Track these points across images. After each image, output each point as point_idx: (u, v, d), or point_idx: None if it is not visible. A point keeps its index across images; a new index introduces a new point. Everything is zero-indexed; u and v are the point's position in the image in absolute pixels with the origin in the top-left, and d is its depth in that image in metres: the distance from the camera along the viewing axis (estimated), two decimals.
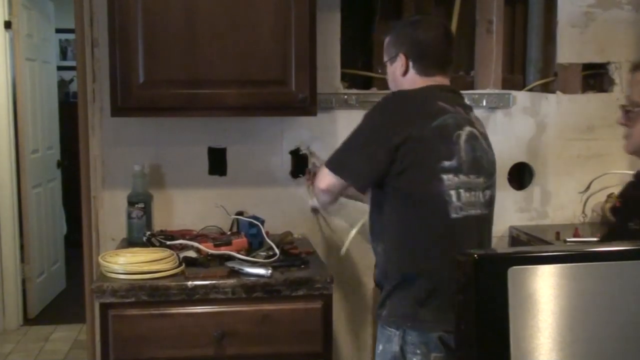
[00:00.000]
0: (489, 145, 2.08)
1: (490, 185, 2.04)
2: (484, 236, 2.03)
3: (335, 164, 2.03)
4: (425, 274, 1.93)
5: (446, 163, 1.92)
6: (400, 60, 2.06)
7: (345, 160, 2.02)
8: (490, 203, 2.04)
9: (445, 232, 1.93)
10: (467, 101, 2.18)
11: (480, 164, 2.00)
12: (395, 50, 2.08)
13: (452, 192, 1.92)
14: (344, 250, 2.65)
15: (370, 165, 1.96)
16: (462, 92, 2.64)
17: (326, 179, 2.04)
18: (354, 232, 2.61)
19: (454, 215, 1.92)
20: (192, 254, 2.30)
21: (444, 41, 2.07)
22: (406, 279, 1.96)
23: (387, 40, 2.13)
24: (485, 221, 2.03)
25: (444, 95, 2.01)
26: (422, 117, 1.95)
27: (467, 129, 1.98)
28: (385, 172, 1.93)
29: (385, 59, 2.12)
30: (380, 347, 2.02)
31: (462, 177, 1.94)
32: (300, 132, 2.79)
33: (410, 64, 2.05)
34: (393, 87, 2.12)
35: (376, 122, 1.99)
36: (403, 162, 1.91)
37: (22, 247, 4.68)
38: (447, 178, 1.91)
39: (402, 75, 2.07)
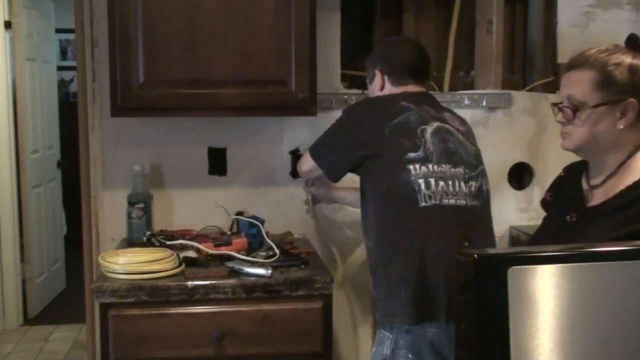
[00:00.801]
0: (470, 139, 2.16)
1: (476, 177, 2.06)
2: (475, 229, 2.02)
3: (316, 153, 2.24)
4: (397, 266, 1.96)
5: (411, 154, 2.00)
6: (378, 77, 2.23)
7: (323, 151, 2.21)
8: (478, 194, 2.05)
9: (416, 221, 1.96)
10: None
11: (456, 155, 2.05)
12: (372, 68, 2.26)
13: (421, 181, 1.97)
14: (339, 277, 2.73)
15: (341, 161, 2.14)
16: (462, 92, 2.65)
17: (308, 163, 2.28)
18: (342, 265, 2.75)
19: (422, 204, 1.96)
20: (192, 254, 2.30)
21: (417, 55, 2.23)
22: (386, 273, 1.97)
23: (367, 62, 2.30)
24: (473, 213, 2.03)
25: (411, 97, 2.14)
26: (385, 116, 2.07)
27: (435, 124, 2.07)
28: (355, 167, 2.10)
29: (367, 79, 2.30)
30: (374, 349, 2.04)
31: (433, 167, 1.99)
32: (300, 132, 2.79)
33: (386, 77, 2.22)
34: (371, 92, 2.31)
35: (346, 122, 2.17)
36: (370, 158, 2.05)
37: (22, 247, 4.68)
38: (414, 168, 1.99)
39: (380, 90, 2.23)
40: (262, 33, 2.39)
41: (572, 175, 1.71)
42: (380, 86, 2.23)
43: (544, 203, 1.81)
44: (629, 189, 1.52)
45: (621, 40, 2.99)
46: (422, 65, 2.24)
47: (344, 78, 2.84)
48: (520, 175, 2.99)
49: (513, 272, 1.08)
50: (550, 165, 2.93)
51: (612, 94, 1.54)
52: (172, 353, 2.16)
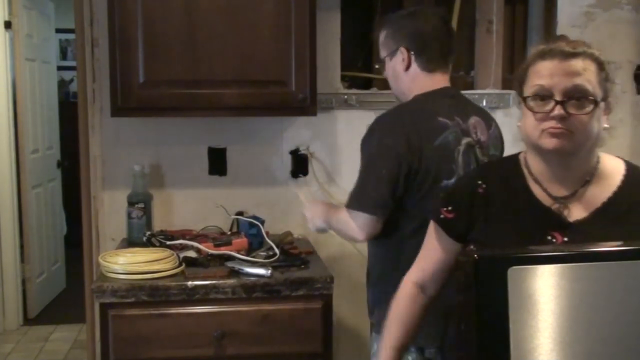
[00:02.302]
0: (493, 148, 2.02)
1: None
2: None
3: (358, 202, 1.93)
4: (398, 278, 1.79)
5: (444, 182, 1.88)
6: (402, 54, 1.99)
7: (365, 194, 1.92)
8: None
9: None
10: None
11: None
12: (395, 44, 2.00)
13: None
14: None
15: (388, 190, 1.88)
16: (462, 92, 2.63)
17: (359, 221, 1.93)
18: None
19: None
20: (192, 254, 2.30)
21: (445, 31, 2.00)
22: (386, 282, 1.93)
23: (383, 34, 2.04)
24: None
25: (444, 105, 1.95)
26: (425, 138, 1.88)
27: (465, 141, 1.93)
28: (400, 194, 1.89)
29: (384, 54, 2.04)
30: (375, 346, 2.01)
31: None
32: (300, 132, 2.79)
33: (413, 57, 1.98)
34: (394, 84, 2.05)
35: (382, 145, 1.90)
36: (408, 186, 1.88)
37: (22, 247, 4.68)
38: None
39: (404, 70, 2.00)
40: (262, 33, 2.39)
41: (504, 189, 1.50)
42: (406, 66, 1.99)
43: (444, 221, 1.54)
44: (626, 189, 1.43)
45: (621, 40, 2.98)
46: (451, 43, 2.02)
47: (344, 78, 2.84)
48: None
49: (513, 272, 1.08)
50: None
51: (605, 90, 1.44)
52: (172, 353, 2.16)
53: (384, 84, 2.71)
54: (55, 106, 5.35)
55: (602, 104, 1.41)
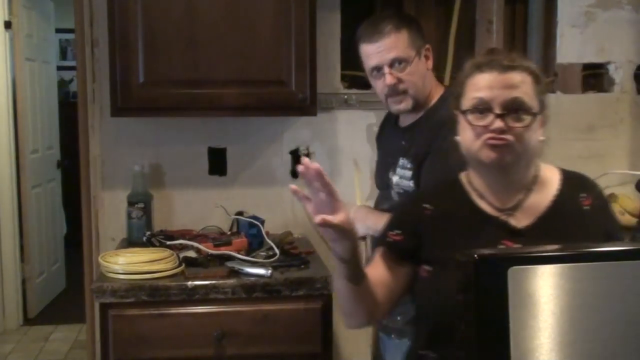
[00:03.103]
0: None
1: None
2: None
3: None
4: None
5: None
6: (427, 52, 2.00)
7: None
8: None
9: None
10: None
11: None
12: (423, 42, 1.99)
13: None
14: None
15: None
16: None
17: None
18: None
19: None
20: (192, 254, 2.30)
21: None
22: None
23: (404, 35, 1.95)
24: None
25: None
26: None
27: None
28: None
29: (410, 55, 1.95)
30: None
31: None
32: (300, 132, 2.79)
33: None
34: (420, 84, 1.98)
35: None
36: None
37: (22, 247, 4.68)
38: None
39: (429, 68, 2.02)
40: (262, 33, 2.39)
41: (450, 208, 1.52)
42: (431, 64, 2.02)
43: (392, 244, 1.55)
44: (563, 194, 1.49)
45: (621, 40, 2.98)
46: None
47: (344, 78, 2.84)
48: None
49: (513, 272, 1.08)
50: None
51: (542, 103, 1.45)
52: (172, 353, 2.16)
53: None
54: (55, 106, 5.36)
55: (539, 117, 1.44)
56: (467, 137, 1.44)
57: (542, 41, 2.98)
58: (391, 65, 1.95)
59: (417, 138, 1.99)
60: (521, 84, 1.41)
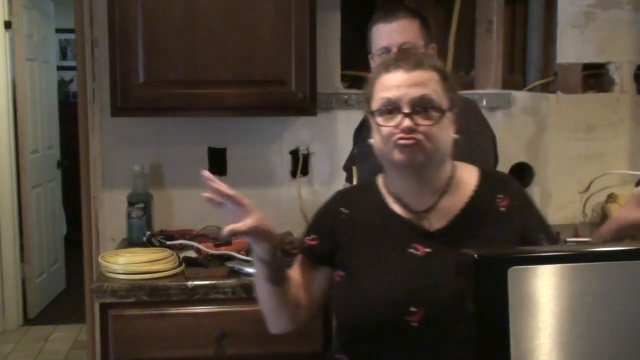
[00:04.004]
0: None
1: None
2: None
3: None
4: None
5: None
6: (433, 50, 2.07)
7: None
8: None
9: None
10: None
11: None
12: (430, 40, 2.07)
13: None
14: None
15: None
16: (462, 92, 2.64)
17: None
18: None
19: None
20: (192, 254, 2.30)
21: None
22: None
23: (417, 23, 2.04)
24: None
25: None
26: None
27: None
28: None
29: (419, 43, 2.02)
30: None
31: None
32: (300, 132, 2.79)
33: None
34: None
35: (489, 133, 2.14)
36: None
37: (22, 247, 4.68)
38: None
39: None
40: (262, 33, 2.39)
41: (365, 212, 1.51)
42: None
43: (307, 249, 1.55)
44: (478, 196, 1.46)
45: (621, 40, 2.98)
46: None
47: (344, 78, 2.84)
48: (520, 175, 2.98)
49: (513, 272, 1.08)
50: (550, 165, 2.93)
51: (451, 100, 1.45)
52: (172, 353, 2.16)
53: None
54: (55, 106, 5.36)
55: (448, 114, 1.42)
56: (378, 139, 1.43)
57: (542, 41, 2.98)
58: (400, 48, 2.00)
59: None
60: (429, 82, 1.40)
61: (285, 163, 2.81)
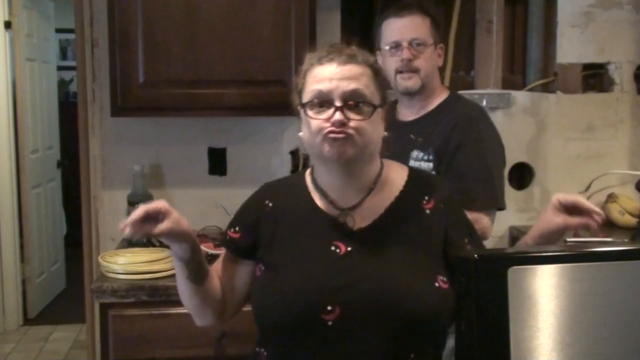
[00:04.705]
0: None
1: None
2: None
3: (493, 200, 2.00)
4: None
5: None
6: (442, 50, 2.10)
7: (495, 189, 2.00)
8: None
9: None
10: None
11: None
12: (439, 39, 2.09)
13: None
14: None
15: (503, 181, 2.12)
16: (462, 92, 2.64)
17: (492, 219, 2.01)
18: None
19: None
20: None
21: None
22: None
23: (427, 20, 2.06)
24: None
25: None
26: None
27: None
28: None
29: (428, 41, 2.04)
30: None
31: None
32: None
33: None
34: (430, 71, 2.06)
35: (495, 136, 2.10)
36: None
37: (22, 247, 4.68)
38: None
39: (440, 65, 2.12)
40: (262, 33, 2.39)
41: (290, 206, 1.49)
42: (440, 65, 2.13)
43: (229, 242, 1.52)
44: (404, 196, 1.45)
45: (621, 40, 2.97)
46: None
47: None
48: (520, 175, 2.99)
49: (513, 272, 1.08)
50: (550, 165, 2.93)
51: (383, 97, 1.43)
52: (172, 353, 2.16)
53: None
54: (55, 106, 5.36)
55: (380, 110, 1.41)
56: (308, 132, 1.41)
57: (542, 41, 2.98)
58: (410, 43, 2.03)
59: (433, 132, 2.04)
60: (361, 76, 1.38)
61: (285, 163, 2.81)
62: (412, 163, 2.04)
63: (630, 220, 2.76)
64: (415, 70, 2.03)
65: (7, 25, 4.47)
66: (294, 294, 1.37)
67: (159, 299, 2.14)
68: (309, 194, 1.48)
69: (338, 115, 1.34)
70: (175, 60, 2.37)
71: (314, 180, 1.49)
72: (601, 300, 1.10)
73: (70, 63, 6.29)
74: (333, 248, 1.39)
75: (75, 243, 3.50)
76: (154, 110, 2.44)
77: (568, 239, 2.59)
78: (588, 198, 2.88)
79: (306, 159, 2.81)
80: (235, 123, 2.74)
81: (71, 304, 4.76)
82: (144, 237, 1.36)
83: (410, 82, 2.04)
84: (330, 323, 1.33)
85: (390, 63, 2.05)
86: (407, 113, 2.13)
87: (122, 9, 2.34)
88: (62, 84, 6.35)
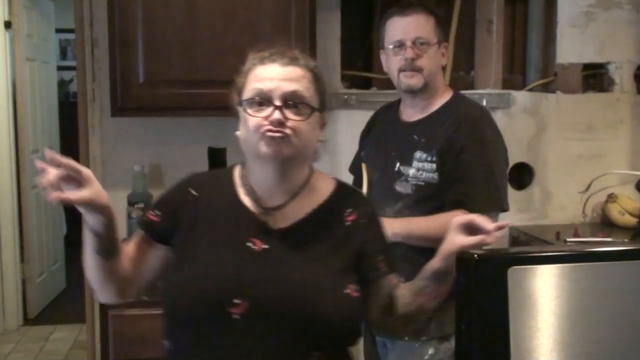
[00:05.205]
0: None
1: None
2: None
3: (496, 203, 1.98)
4: None
5: None
6: (446, 50, 2.10)
7: (498, 192, 1.99)
8: None
9: None
10: None
11: None
12: (443, 36, 2.09)
13: None
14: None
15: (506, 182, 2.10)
16: (462, 92, 2.64)
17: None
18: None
19: None
20: None
21: None
22: None
23: (432, 19, 2.06)
24: None
25: None
26: None
27: None
28: None
29: (432, 40, 2.04)
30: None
31: None
32: None
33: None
34: (433, 70, 2.05)
35: (498, 138, 2.07)
36: None
37: (22, 247, 4.68)
38: None
39: (443, 65, 2.11)
40: (262, 33, 2.39)
41: (214, 198, 1.50)
42: (444, 65, 2.13)
43: (146, 223, 1.54)
44: (328, 205, 1.46)
45: (621, 40, 2.97)
46: None
47: (344, 78, 2.84)
48: (520, 175, 2.99)
49: (513, 272, 1.08)
50: (550, 165, 2.93)
51: (322, 102, 1.45)
52: None
53: (384, 84, 2.71)
54: (55, 106, 5.35)
55: (318, 114, 1.43)
56: (245, 130, 1.45)
57: (542, 41, 2.98)
58: (414, 42, 2.01)
59: (436, 133, 2.02)
60: (301, 79, 1.42)
61: None
62: (415, 164, 2.03)
63: (630, 220, 2.76)
64: (419, 70, 2.02)
65: (7, 25, 4.47)
66: (202, 282, 1.37)
67: (159, 299, 2.14)
68: (234, 188, 1.50)
69: (277, 114, 1.37)
70: (175, 60, 2.37)
71: (243, 177, 1.51)
72: (601, 300, 1.10)
73: (70, 63, 6.29)
74: (249, 244, 1.40)
75: (75, 243, 3.49)
76: (154, 110, 2.44)
77: (568, 239, 2.60)
78: (588, 198, 2.88)
79: None
80: (235, 123, 2.73)
81: (71, 304, 4.76)
82: (61, 203, 1.32)
83: (413, 80, 2.03)
84: (236, 317, 1.33)
85: (393, 62, 2.05)
86: (411, 113, 2.11)
87: (122, 9, 2.34)
88: (62, 84, 6.36)
